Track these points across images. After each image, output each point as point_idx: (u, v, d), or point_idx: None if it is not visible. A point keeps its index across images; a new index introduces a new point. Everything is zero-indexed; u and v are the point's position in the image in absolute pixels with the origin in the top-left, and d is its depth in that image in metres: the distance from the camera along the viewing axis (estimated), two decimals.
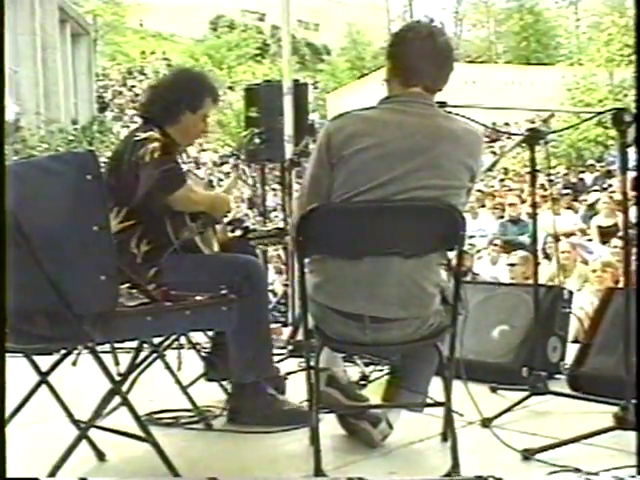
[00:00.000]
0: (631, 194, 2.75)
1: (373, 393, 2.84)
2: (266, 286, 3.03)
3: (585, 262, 7.67)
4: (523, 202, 10.59)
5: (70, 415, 2.46)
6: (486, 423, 2.86)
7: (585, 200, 11.46)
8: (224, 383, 3.25)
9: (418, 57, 2.52)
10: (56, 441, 2.32)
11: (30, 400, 2.45)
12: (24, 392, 2.44)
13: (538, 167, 3.37)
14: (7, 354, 2.47)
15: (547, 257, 7.73)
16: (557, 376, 3.63)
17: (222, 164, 22.78)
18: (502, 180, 15.18)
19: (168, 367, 3.13)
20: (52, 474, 2.14)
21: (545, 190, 8.89)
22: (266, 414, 2.93)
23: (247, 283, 2.86)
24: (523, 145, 3.42)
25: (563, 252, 7.02)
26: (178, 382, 3.13)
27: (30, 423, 2.70)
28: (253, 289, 2.88)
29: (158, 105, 3.15)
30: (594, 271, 6.35)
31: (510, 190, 13.17)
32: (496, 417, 2.92)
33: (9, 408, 2.40)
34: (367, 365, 3.72)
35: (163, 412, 3.08)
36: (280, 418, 2.91)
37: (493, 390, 3.48)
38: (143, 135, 2.99)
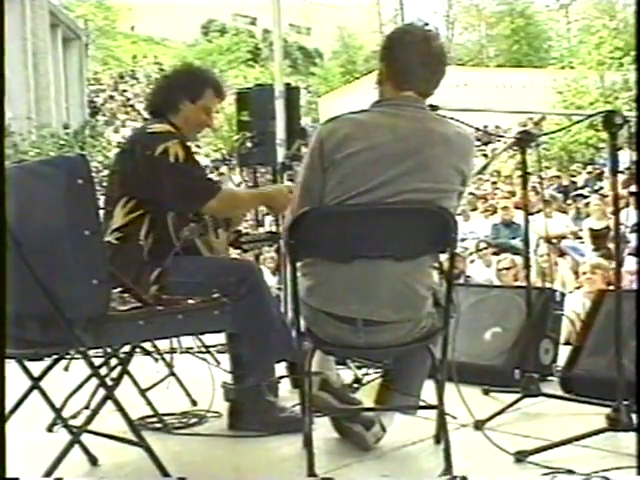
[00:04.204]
0: (623, 195, 2.76)
1: (366, 396, 2.84)
2: (263, 288, 3.00)
3: (577, 264, 7.70)
4: (517, 207, 10.59)
5: (63, 420, 2.45)
6: (479, 425, 2.87)
7: (575, 202, 11.48)
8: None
9: (414, 61, 2.51)
10: (48, 446, 2.32)
11: (22, 405, 2.44)
12: (16, 397, 2.43)
13: (530, 170, 3.38)
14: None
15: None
16: (549, 378, 3.65)
17: (215, 168, 22.78)
18: (494, 183, 15.20)
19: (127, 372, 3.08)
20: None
21: (537, 193, 8.91)
22: (263, 420, 2.93)
23: (243, 286, 2.85)
24: (515, 148, 3.43)
25: (542, 255, 7.05)
26: (137, 385, 3.14)
27: (22, 428, 2.69)
28: (249, 292, 2.87)
29: (159, 97, 3.19)
30: (584, 273, 6.38)
31: (502, 192, 13.17)
32: (489, 419, 2.92)
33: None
34: (360, 368, 3.72)
35: (156, 416, 3.08)
36: (277, 425, 2.92)
37: (486, 392, 3.49)
38: (155, 127, 3.01)
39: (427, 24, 2.64)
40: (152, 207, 2.97)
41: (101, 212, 2.97)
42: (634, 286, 6.65)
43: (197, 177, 3.02)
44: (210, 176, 3.11)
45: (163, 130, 3.00)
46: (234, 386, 3.03)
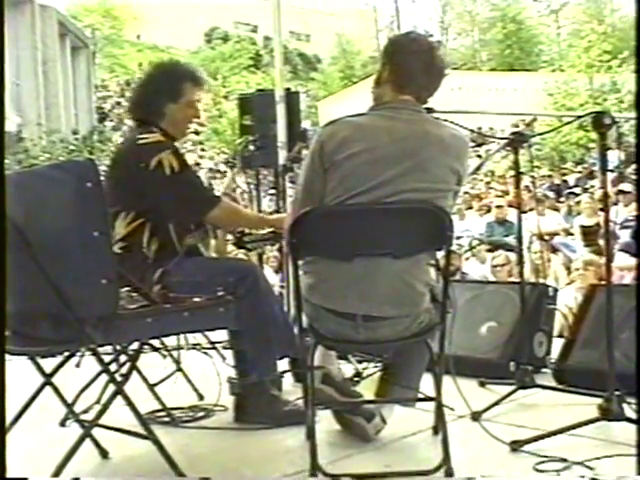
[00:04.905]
0: (612, 193, 2.77)
1: (366, 389, 2.84)
2: (263, 288, 2.99)
3: (569, 260, 7.70)
4: (510, 206, 10.58)
5: (74, 414, 2.45)
6: (475, 416, 2.87)
7: (567, 200, 11.47)
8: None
9: (417, 68, 2.53)
10: (61, 440, 2.32)
11: (35, 401, 2.44)
12: (29, 393, 2.43)
13: (522, 169, 3.38)
14: (13, 356, 2.49)
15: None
16: (543, 370, 3.65)
17: (218, 171, 22.77)
18: (488, 183, 15.19)
19: (136, 368, 3.04)
20: (57, 472, 2.13)
21: (530, 192, 8.91)
22: (268, 414, 2.92)
23: (241, 285, 2.84)
24: (508, 148, 3.42)
25: (536, 252, 7.05)
26: (145, 381, 3.14)
27: (35, 423, 2.69)
28: (248, 291, 2.86)
29: (142, 106, 3.09)
30: (577, 269, 6.38)
31: (496, 191, 13.18)
32: (485, 410, 2.92)
33: (15, 409, 2.39)
34: (360, 362, 3.71)
35: (164, 410, 3.08)
36: (281, 417, 2.92)
37: (482, 384, 3.49)
38: (146, 138, 2.92)
39: (431, 35, 2.65)
40: (152, 215, 2.94)
41: None
42: (624, 281, 6.67)
43: (196, 187, 2.98)
44: (207, 186, 3.03)
45: (154, 141, 2.92)
46: (239, 381, 3.03)
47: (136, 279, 2.60)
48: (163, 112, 3.04)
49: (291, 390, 3.31)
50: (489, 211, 11.17)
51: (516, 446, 2.51)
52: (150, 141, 2.92)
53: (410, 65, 2.54)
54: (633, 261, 7.17)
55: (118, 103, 32.55)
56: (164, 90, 3.04)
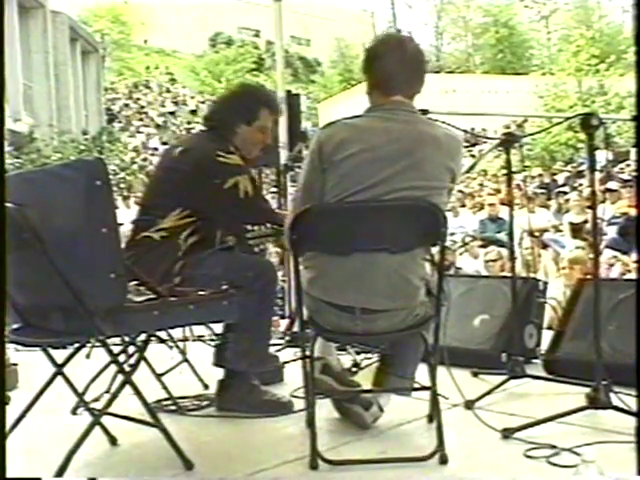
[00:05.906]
0: (599, 191, 2.77)
1: (364, 379, 2.84)
2: (275, 286, 3.02)
3: (558, 255, 7.70)
4: (502, 203, 10.56)
5: (85, 403, 2.45)
6: (469, 405, 2.87)
7: (556, 198, 11.46)
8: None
9: (392, 68, 2.50)
10: (72, 427, 2.32)
11: (47, 390, 2.44)
12: (42, 383, 2.43)
13: (514, 169, 3.37)
14: (26, 348, 2.49)
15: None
16: (533, 361, 3.65)
17: None
18: (481, 182, 15.16)
19: (144, 359, 2.97)
20: (68, 458, 2.13)
21: (521, 190, 8.90)
22: (248, 402, 2.93)
23: (259, 281, 2.83)
24: (500, 148, 3.42)
25: (526, 248, 7.04)
26: (152, 371, 3.14)
27: (48, 412, 2.69)
28: (264, 287, 2.85)
29: (216, 118, 3.11)
30: (563, 268, 6.38)
31: (488, 189, 13.15)
32: (478, 399, 2.92)
33: (28, 399, 2.40)
34: (358, 353, 3.72)
35: (170, 399, 3.08)
36: (260, 406, 2.92)
37: (475, 374, 3.49)
38: (226, 157, 2.92)
39: (400, 30, 2.63)
40: (204, 219, 2.94)
41: (135, 208, 2.96)
42: (610, 275, 6.67)
43: (267, 212, 3.06)
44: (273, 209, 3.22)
45: (234, 163, 2.92)
46: (226, 369, 3.03)
47: (162, 270, 2.66)
48: (235, 130, 3.05)
49: (293, 381, 3.31)
50: (482, 208, 11.14)
51: (507, 433, 2.51)
52: (230, 162, 2.92)
53: (384, 67, 2.51)
54: (619, 256, 7.19)
55: (126, 105, 32.54)
56: (240, 111, 3.06)
